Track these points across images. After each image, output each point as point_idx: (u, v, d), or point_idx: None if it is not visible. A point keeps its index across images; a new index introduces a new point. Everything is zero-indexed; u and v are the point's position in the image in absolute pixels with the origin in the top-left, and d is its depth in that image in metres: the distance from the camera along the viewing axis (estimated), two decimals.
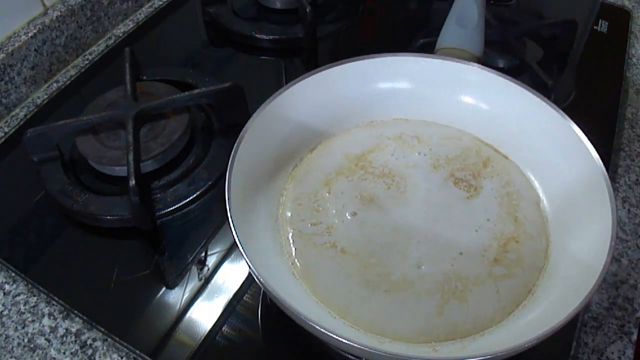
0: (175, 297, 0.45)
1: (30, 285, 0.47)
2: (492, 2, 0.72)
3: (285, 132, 0.49)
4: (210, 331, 0.43)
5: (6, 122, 0.60)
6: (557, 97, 0.59)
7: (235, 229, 0.38)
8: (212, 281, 0.46)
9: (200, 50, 0.69)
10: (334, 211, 0.47)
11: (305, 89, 0.49)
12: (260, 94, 0.48)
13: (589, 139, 0.44)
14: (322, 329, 0.34)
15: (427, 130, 0.52)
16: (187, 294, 0.45)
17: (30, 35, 0.61)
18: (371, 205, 0.47)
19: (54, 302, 0.45)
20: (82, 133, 0.53)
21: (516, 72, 0.63)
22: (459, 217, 0.46)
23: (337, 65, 0.50)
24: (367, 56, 0.51)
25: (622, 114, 0.61)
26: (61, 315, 0.45)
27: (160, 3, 0.75)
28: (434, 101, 0.52)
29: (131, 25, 0.72)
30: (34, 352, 0.43)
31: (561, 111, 0.46)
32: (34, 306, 0.46)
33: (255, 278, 0.36)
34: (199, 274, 0.47)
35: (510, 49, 0.65)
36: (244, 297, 0.45)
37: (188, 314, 0.44)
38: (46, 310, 0.45)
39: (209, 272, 0.47)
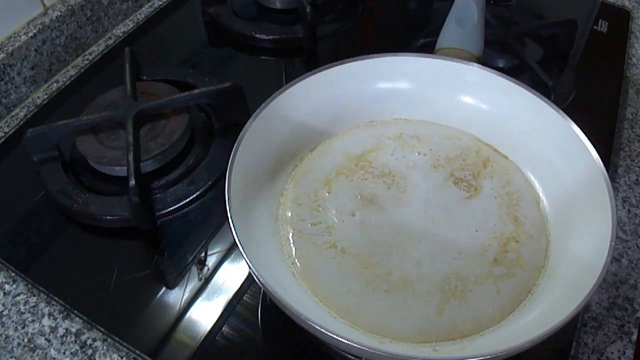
0: (175, 297, 0.45)
1: (30, 285, 0.47)
2: (492, 2, 0.72)
3: (285, 132, 0.49)
4: (210, 331, 0.43)
5: (6, 122, 0.60)
6: (557, 97, 0.59)
7: (235, 229, 0.38)
8: (212, 281, 0.46)
9: (200, 50, 0.69)
10: (334, 211, 0.47)
11: (305, 89, 0.49)
12: (260, 94, 0.48)
13: (589, 139, 0.44)
14: (322, 329, 0.34)
15: (427, 130, 0.52)
16: (187, 294, 0.45)
17: (30, 35, 0.61)
18: (371, 205, 0.47)
19: (54, 302, 0.45)
20: (82, 133, 0.53)
21: (516, 72, 0.63)
22: (459, 217, 0.46)
23: (337, 65, 0.50)
24: (367, 56, 0.51)
25: (622, 114, 0.61)
26: (61, 315, 0.45)
27: (160, 3, 0.75)
28: (434, 101, 0.52)
29: (131, 25, 0.72)
30: (34, 352, 0.43)
31: (561, 111, 0.46)
32: (34, 306, 0.46)
33: (255, 278, 0.36)
34: (199, 274, 0.47)
35: (510, 49, 0.65)
36: (244, 297, 0.45)
37: (188, 314, 0.44)
38: (46, 310, 0.45)
39: (209, 272, 0.47)
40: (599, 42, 0.69)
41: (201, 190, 0.51)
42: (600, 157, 0.43)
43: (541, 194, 0.47)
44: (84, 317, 0.44)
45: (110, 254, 0.49)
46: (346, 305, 0.41)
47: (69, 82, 0.64)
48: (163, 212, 0.50)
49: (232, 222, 0.39)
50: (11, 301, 0.46)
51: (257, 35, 0.67)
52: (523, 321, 0.40)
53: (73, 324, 0.44)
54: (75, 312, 0.44)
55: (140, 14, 0.74)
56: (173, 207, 0.50)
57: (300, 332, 0.36)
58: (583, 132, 0.45)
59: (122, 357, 0.43)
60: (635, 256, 0.49)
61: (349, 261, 0.43)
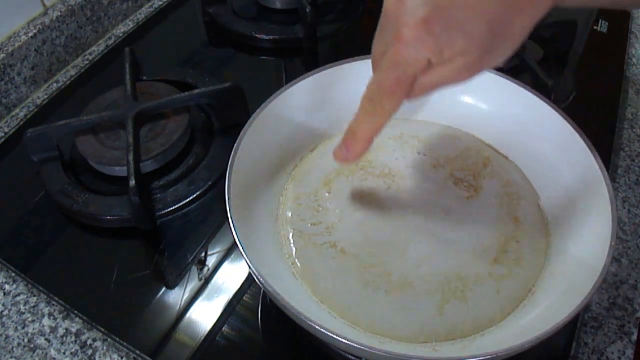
0: (175, 297, 0.45)
1: (30, 285, 0.47)
2: None
3: (285, 132, 0.49)
4: (210, 331, 0.43)
5: (6, 122, 0.60)
6: (557, 97, 0.59)
7: (235, 229, 0.38)
8: (212, 281, 0.46)
9: (200, 50, 0.69)
10: (334, 211, 0.47)
11: (305, 89, 0.49)
12: (260, 94, 0.48)
13: (589, 139, 0.44)
14: (322, 329, 0.34)
15: (427, 130, 0.52)
16: (187, 294, 0.45)
17: (30, 35, 0.61)
18: (371, 205, 0.47)
19: (54, 302, 0.45)
20: (82, 133, 0.53)
21: (516, 72, 0.63)
22: (459, 217, 0.46)
23: (337, 65, 0.50)
24: (367, 56, 0.50)
25: (622, 114, 0.61)
26: (61, 315, 0.45)
27: (160, 3, 0.75)
28: (434, 101, 0.52)
29: (131, 25, 0.72)
30: (34, 352, 0.43)
31: (561, 111, 0.46)
32: (34, 306, 0.46)
33: (255, 278, 0.36)
34: (199, 274, 0.47)
35: None
36: (244, 297, 0.45)
37: (188, 314, 0.44)
38: (46, 310, 0.45)
39: (209, 272, 0.47)
40: (599, 42, 0.69)
41: (201, 190, 0.51)
42: (600, 157, 0.43)
43: (541, 194, 0.47)
44: (84, 317, 0.44)
45: (110, 254, 0.49)
46: (346, 305, 0.41)
47: (69, 82, 0.64)
48: (163, 212, 0.50)
49: (232, 222, 0.39)
50: (11, 301, 0.46)
51: (257, 35, 0.67)
52: (523, 321, 0.40)
53: (73, 324, 0.44)
54: (75, 312, 0.44)
55: (140, 14, 0.74)
56: (173, 207, 0.50)
57: (300, 332, 0.36)
58: (583, 132, 0.45)
59: (122, 357, 0.43)
60: (635, 256, 0.49)
61: (349, 261, 0.43)
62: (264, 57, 0.68)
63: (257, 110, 0.46)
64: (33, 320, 0.45)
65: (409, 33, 0.29)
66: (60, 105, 0.62)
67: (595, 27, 0.71)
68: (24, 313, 0.45)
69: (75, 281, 0.47)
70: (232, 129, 0.52)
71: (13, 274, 0.47)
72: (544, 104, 0.47)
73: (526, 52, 0.66)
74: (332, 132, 0.52)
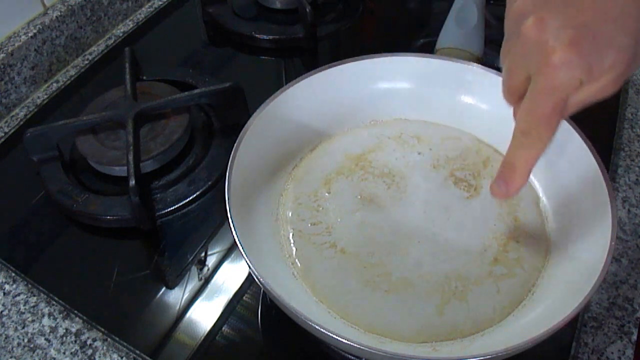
0: (175, 297, 0.45)
1: (30, 285, 0.47)
2: (492, 2, 0.72)
3: (285, 132, 0.49)
4: (210, 331, 0.43)
5: (6, 122, 0.61)
6: None
7: (235, 229, 0.38)
8: (212, 281, 0.46)
9: (200, 50, 0.69)
10: (334, 211, 0.47)
11: (305, 89, 0.49)
12: (260, 94, 0.48)
13: (589, 139, 0.44)
14: (322, 329, 0.34)
15: (427, 130, 0.52)
16: (187, 294, 0.45)
17: (30, 35, 0.61)
18: (371, 205, 0.47)
19: (54, 302, 0.45)
20: (82, 133, 0.53)
21: None
22: (459, 217, 0.46)
23: (337, 65, 0.50)
24: (367, 56, 0.51)
25: (622, 114, 0.61)
26: (61, 315, 0.45)
27: (160, 3, 0.75)
28: (434, 101, 0.52)
29: (131, 25, 0.72)
30: (34, 352, 0.43)
31: None
32: (34, 306, 0.46)
33: (255, 278, 0.36)
34: (199, 274, 0.47)
35: None
36: (244, 297, 0.45)
37: (188, 314, 0.44)
38: (46, 310, 0.45)
39: (209, 272, 0.47)
40: None
41: (201, 190, 0.51)
42: (600, 157, 0.43)
43: (541, 194, 0.47)
44: (84, 317, 0.44)
45: (110, 254, 0.49)
46: (346, 305, 0.41)
47: (69, 82, 0.64)
48: (163, 212, 0.50)
49: (232, 222, 0.39)
50: (11, 301, 0.46)
51: (257, 35, 0.67)
52: (523, 321, 0.40)
53: (73, 324, 0.44)
54: (75, 312, 0.44)
55: (140, 14, 0.74)
56: (173, 207, 0.50)
57: (300, 332, 0.36)
58: (583, 132, 0.45)
59: (122, 357, 0.43)
60: (635, 256, 0.49)
61: (349, 261, 0.43)
62: (263, 57, 0.68)
63: (257, 110, 0.46)
64: (33, 320, 0.45)
65: (560, 58, 0.28)
66: (60, 105, 0.62)
67: None
68: (24, 313, 0.45)
69: (75, 281, 0.47)
70: (232, 129, 0.52)
71: (13, 274, 0.47)
72: None
73: None
74: (332, 132, 0.52)
